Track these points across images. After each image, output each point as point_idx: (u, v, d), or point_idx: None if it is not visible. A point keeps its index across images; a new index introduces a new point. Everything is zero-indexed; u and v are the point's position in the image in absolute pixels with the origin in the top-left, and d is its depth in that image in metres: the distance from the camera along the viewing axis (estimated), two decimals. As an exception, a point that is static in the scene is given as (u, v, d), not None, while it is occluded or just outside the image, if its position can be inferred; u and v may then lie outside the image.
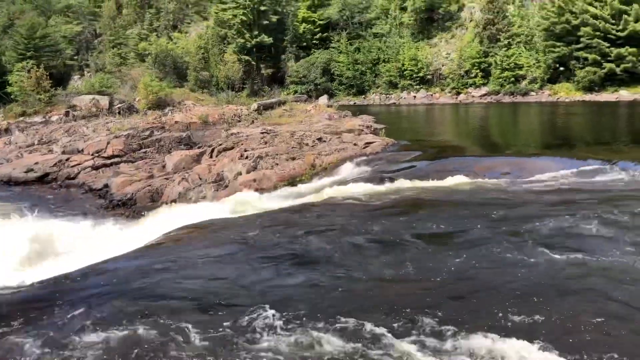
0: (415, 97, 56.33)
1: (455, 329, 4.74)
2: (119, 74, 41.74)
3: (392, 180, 11.97)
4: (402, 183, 11.57)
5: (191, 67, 45.69)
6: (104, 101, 28.59)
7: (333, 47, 60.81)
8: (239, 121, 23.40)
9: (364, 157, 15.30)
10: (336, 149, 16.33)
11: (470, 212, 8.72)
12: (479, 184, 11.07)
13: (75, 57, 60.46)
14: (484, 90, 52.47)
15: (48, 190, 16.88)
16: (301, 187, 13.18)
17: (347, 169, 14.10)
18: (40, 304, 5.87)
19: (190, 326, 5.00)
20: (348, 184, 12.07)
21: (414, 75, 56.45)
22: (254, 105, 26.03)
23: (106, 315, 5.38)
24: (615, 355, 4.28)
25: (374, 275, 6.26)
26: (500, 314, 5.00)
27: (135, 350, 4.65)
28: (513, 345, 4.43)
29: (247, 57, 50.92)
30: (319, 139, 17.69)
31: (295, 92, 52.64)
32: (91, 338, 4.93)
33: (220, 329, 4.95)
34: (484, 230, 7.61)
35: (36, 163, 18.96)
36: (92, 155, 19.08)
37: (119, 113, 27.22)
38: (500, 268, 6.27)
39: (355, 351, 4.50)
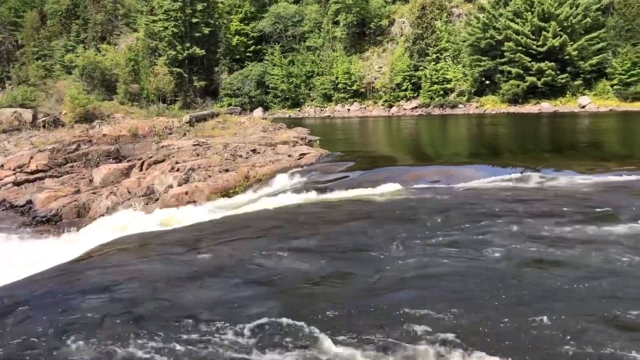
0: (349, 110, 57.23)
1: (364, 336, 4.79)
2: (43, 86, 40.06)
3: (325, 190, 12.05)
4: (336, 193, 11.67)
5: (121, 79, 44.54)
6: (27, 114, 27.23)
7: (267, 60, 60.97)
8: (171, 134, 22.87)
9: (299, 168, 15.31)
10: (270, 161, 16.27)
11: (399, 218, 8.91)
12: (409, 191, 11.32)
13: (-4, 69, 57.66)
14: (414, 103, 53.99)
15: (-36, 208, 15.89)
16: (234, 199, 13.05)
17: (282, 180, 14.07)
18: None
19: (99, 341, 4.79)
20: (281, 195, 12.05)
21: (348, 89, 57.40)
22: (186, 118, 25.52)
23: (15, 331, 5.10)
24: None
25: (295, 281, 6.25)
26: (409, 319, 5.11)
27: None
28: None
29: (178, 70, 50.17)
30: (253, 151, 17.57)
31: (229, 104, 52.30)
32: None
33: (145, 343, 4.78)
34: (410, 234, 7.79)
35: (-50, 179, 17.82)
36: (13, 170, 18.13)
37: (44, 127, 26.01)
38: (419, 269, 6.41)
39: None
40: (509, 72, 46.79)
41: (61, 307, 5.88)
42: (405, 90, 54.47)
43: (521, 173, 12.50)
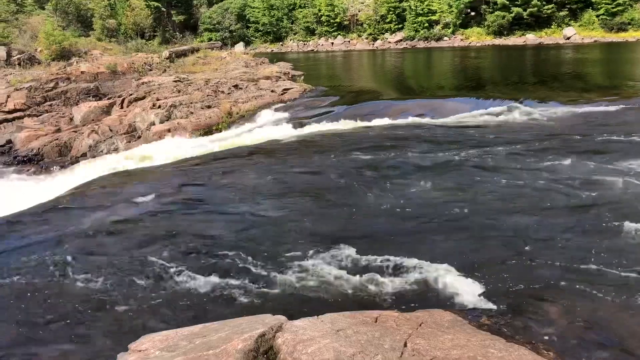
0: (332, 43, 56.23)
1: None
2: (16, 22, 38.55)
3: (309, 124, 12.00)
4: (319, 126, 11.64)
5: (96, 14, 42.95)
6: (1, 52, 26.40)
7: (247, -8, 59.14)
8: (150, 70, 22.38)
9: (282, 104, 15.18)
10: (253, 97, 16.07)
11: (383, 150, 8.94)
12: (394, 125, 11.32)
13: (-36, 5, 55.21)
14: (399, 36, 53.12)
15: (-58, 149, 15.63)
16: (217, 136, 12.99)
17: (265, 116, 13.96)
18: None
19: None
20: (265, 130, 11.99)
21: (331, 22, 56.17)
22: (165, 53, 24.88)
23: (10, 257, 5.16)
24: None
25: (281, 210, 6.33)
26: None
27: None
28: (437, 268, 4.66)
29: (156, 4, 48.54)
30: (235, 87, 17.31)
31: (210, 39, 51.02)
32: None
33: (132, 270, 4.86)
34: (390, 164, 7.87)
35: None
36: (-10, 109, 17.75)
37: (19, 64, 25.26)
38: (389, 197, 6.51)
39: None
40: (495, 3, 45.97)
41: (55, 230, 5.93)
42: (390, 22, 53.42)
43: (504, 105, 12.51)
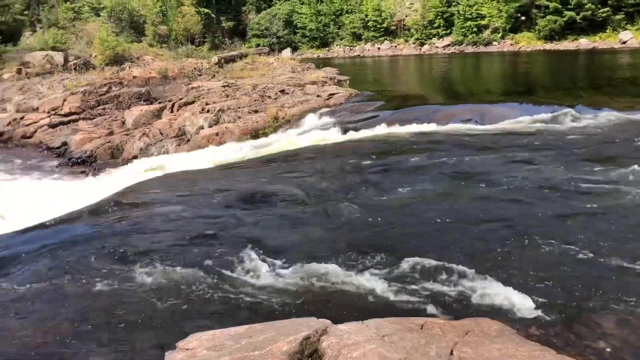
0: (379, 48, 56.06)
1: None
2: (73, 29, 40.08)
3: (354, 129, 11.99)
4: (365, 132, 11.61)
5: (149, 20, 44.22)
6: (58, 57, 27.46)
7: (295, -1, 59.67)
8: (200, 75, 22.85)
9: (328, 109, 15.23)
10: (299, 101, 16.18)
11: (428, 155, 8.84)
12: (441, 130, 11.18)
13: (26, 12, 57.69)
14: (447, 40, 52.50)
15: (3, 150, 16.37)
16: (263, 140, 13.13)
17: (311, 121, 14.03)
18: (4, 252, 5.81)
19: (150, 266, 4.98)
20: (311, 135, 12.05)
21: (378, 27, 56.03)
22: (215, 59, 25.38)
23: (59, 255, 5.34)
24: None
25: (333, 214, 6.33)
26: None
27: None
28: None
29: (206, 10, 49.54)
30: (282, 92, 17.48)
31: (258, 45, 51.67)
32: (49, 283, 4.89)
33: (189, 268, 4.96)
34: (444, 170, 7.75)
35: (-11, 122, 18.29)
36: (48, 113, 18.48)
37: (75, 69, 26.22)
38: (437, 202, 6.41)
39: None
40: (546, 7, 44.85)
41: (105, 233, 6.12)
42: (438, 27, 52.88)
43: (554, 112, 12.16)
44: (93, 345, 3.99)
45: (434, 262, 4.90)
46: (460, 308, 4.13)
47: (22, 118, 18.20)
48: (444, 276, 4.67)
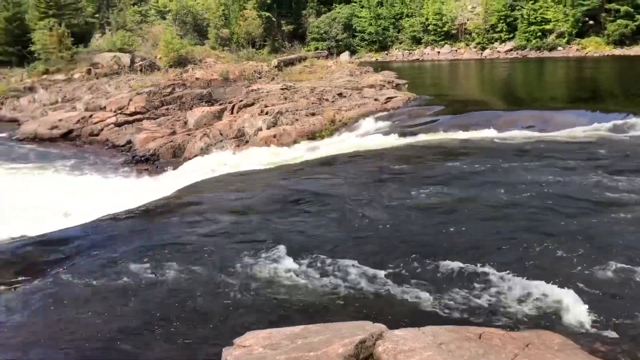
0: (439, 52, 55.32)
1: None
2: (139, 31, 41.54)
3: (412, 134, 11.87)
4: (423, 136, 11.48)
5: (211, 24, 45.27)
6: (125, 59, 28.57)
7: (355, 2, 59.68)
8: (260, 77, 23.24)
9: (385, 112, 15.15)
10: (357, 104, 16.17)
11: (490, 160, 8.64)
12: (502, 136, 10.91)
13: (96, 15, 60.18)
14: (509, 45, 51.26)
15: (73, 147, 17.13)
16: (320, 142, 13.19)
17: (368, 124, 13.99)
18: (70, 246, 6.08)
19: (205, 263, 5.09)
20: (368, 138, 12.01)
21: (438, 30, 55.31)
22: (274, 62, 25.76)
23: (121, 250, 5.53)
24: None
25: (379, 214, 6.28)
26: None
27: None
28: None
29: (267, 14, 50.27)
30: (339, 95, 17.51)
31: (317, 48, 51.97)
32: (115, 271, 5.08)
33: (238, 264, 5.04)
34: (504, 178, 7.56)
35: (60, 120, 19.17)
36: (114, 112, 19.20)
37: (141, 70, 27.20)
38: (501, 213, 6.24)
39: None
40: (617, 11, 43.07)
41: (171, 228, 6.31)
42: (500, 31, 51.69)
43: (621, 120, 11.63)
44: (152, 338, 4.11)
45: (490, 271, 4.78)
46: (519, 319, 4.01)
47: (90, 116, 18.99)
48: (501, 286, 4.56)
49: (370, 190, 7.65)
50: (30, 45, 32.73)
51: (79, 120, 18.78)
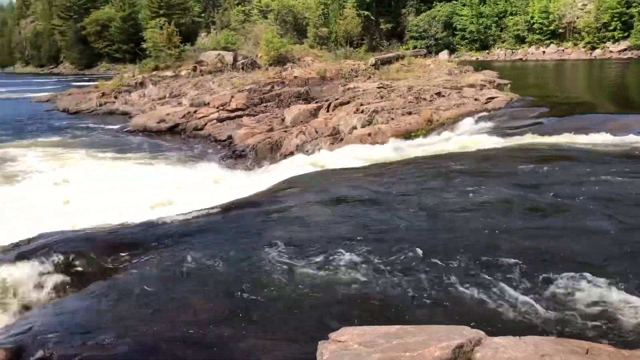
0: (544, 52, 52.85)
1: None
2: (242, 30, 42.98)
3: (515, 135, 11.41)
4: (526, 139, 10.99)
5: (311, 23, 45.97)
6: (228, 57, 29.67)
7: (456, 0, 58.32)
8: (356, 76, 23.29)
9: (485, 113, 14.68)
10: (455, 104, 15.79)
11: (607, 169, 8.10)
12: (614, 142, 10.22)
13: (202, 15, 63.08)
14: (623, 44, 47.99)
15: (178, 140, 18.07)
16: (416, 142, 13.03)
17: (467, 124, 13.63)
18: (172, 232, 6.42)
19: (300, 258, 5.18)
20: (466, 139, 11.69)
21: (544, 29, 52.84)
22: (372, 60, 25.72)
23: (219, 240, 5.76)
24: None
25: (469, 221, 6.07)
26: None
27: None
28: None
29: (366, 12, 50.31)
30: (438, 94, 17.18)
31: (415, 47, 51.34)
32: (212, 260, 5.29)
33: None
34: (619, 188, 7.07)
35: (167, 114, 20.28)
36: (217, 108, 20.01)
37: (242, 68, 28.16)
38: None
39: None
40: None
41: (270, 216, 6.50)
42: (613, 30, 48.49)
43: None
44: (247, 325, 4.24)
45: (599, 283, 4.49)
46: (631, 337, 3.74)
47: (195, 112, 19.92)
48: (610, 300, 4.27)
49: (467, 191, 7.43)
50: (142, 43, 34.86)
51: (184, 115, 19.77)
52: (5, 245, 6.44)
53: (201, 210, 7.52)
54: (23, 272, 5.39)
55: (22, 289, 5.21)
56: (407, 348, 2.55)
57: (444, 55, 50.95)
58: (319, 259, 5.39)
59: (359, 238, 5.86)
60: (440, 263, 5.11)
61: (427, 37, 57.02)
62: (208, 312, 4.49)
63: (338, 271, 5.09)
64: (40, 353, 3.72)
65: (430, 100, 16.62)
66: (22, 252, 5.90)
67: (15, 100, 35.52)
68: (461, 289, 4.60)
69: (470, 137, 12.09)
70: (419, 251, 5.38)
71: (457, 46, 58.34)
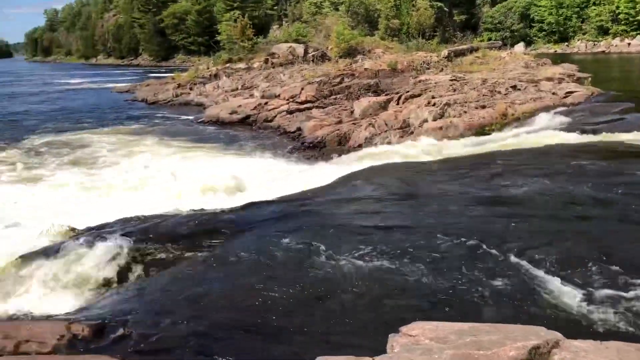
0: (629, 44, 49.97)
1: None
2: (313, 22, 43.16)
3: (595, 132, 10.86)
4: (607, 136, 10.44)
5: (382, 15, 45.52)
6: (299, 49, 29.90)
7: (534, -10, 56.10)
8: (428, 68, 22.89)
9: (564, 108, 14.07)
10: (532, 98, 15.22)
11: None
12: None
13: (275, 8, 63.72)
14: None
15: (249, 131, 18.44)
16: (489, 137, 12.65)
17: (543, 119, 13.10)
18: (243, 220, 6.58)
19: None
20: (543, 134, 11.25)
21: (631, 20, 49.92)
22: (444, 52, 25.18)
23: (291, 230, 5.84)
24: None
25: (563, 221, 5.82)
26: None
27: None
28: None
29: (439, 4, 49.27)
30: (513, 87, 16.62)
31: (489, 39, 49.85)
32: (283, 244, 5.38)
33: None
34: None
35: (239, 106, 20.72)
36: (287, 100, 20.23)
37: (313, 61, 28.31)
38: None
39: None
40: None
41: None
42: None
43: None
44: (318, 316, 4.28)
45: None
46: None
47: (265, 103, 20.24)
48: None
49: (545, 189, 7.15)
50: (217, 35, 35.72)
51: (255, 107, 20.12)
52: (82, 228, 6.79)
53: (272, 199, 7.64)
54: (103, 254, 5.66)
55: (103, 270, 5.48)
56: (480, 346, 2.48)
57: (519, 47, 49.20)
58: (389, 251, 5.35)
59: (431, 233, 5.77)
60: (516, 262, 4.95)
61: (502, 29, 55.22)
62: (279, 298, 4.56)
63: (407, 264, 5.04)
64: (120, 331, 3.90)
65: (505, 94, 16.10)
66: (102, 234, 6.20)
67: (97, 90, 37.37)
68: (537, 288, 4.44)
69: (547, 133, 11.61)
70: (492, 249, 5.23)
71: (534, 38, 56.15)
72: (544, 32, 55.78)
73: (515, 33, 55.09)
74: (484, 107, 14.82)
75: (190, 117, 21.72)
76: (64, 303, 5.01)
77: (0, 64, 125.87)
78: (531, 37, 56.17)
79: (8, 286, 5.44)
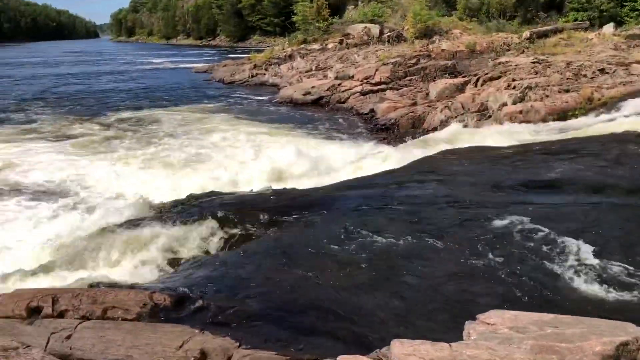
0: None
1: None
2: (390, 2, 42.43)
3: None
4: None
5: (463, -7, 44.05)
6: (374, 30, 29.55)
7: (628, -34, 52.55)
8: (508, 50, 22.03)
9: (657, 92, 13.19)
10: (621, 82, 14.34)
11: None
12: None
13: (351, -12, 63.15)
14: None
15: (321, 112, 18.47)
16: (572, 122, 12.08)
17: (634, 105, 12.32)
18: (322, 202, 6.64)
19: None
20: (631, 120, 10.62)
21: None
22: (526, 34, 24.09)
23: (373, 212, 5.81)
24: None
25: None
26: None
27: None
28: None
29: (522, -18, 47.09)
30: (601, 70, 15.71)
31: (575, 19, 47.26)
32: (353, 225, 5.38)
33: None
34: None
35: (313, 87, 20.78)
36: (361, 81, 20.10)
37: (388, 41, 27.92)
38: None
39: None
40: None
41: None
42: None
43: None
44: (390, 299, 4.26)
45: None
46: None
47: (339, 85, 20.19)
48: None
49: (629, 181, 6.77)
50: (292, 16, 35.83)
51: (329, 88, 20.12)
52: (164, 201, 7.07)
53: (347, 180, 7.66)
54: (184, 227, 5.89)
55: (184, 243, 5.70)
56: (563, 338, 2.39)
57: (609, 28, 46.26)
58: (467, 237, 5.25)
59: (512, 220, 5.60)
60: (587, 254, 4.73)
61: (590, 9, 52.04)
62: (358, 277, 4.59)
63: (484, 251, 4.92)
64: (199, 302, 4.05)
65: (591, 77, 15.27)
66: (184, 208, 6.43)
67: (177, 70, 38.57)
68: (626, 284, 4.22)
69: (638, 119, 10.95)
70: (577, 241, 5.01)
71: (626, 18, 52.74)
72: (636, 12, 52.26)
73: (605, 13, 51.79)
74: (567, 91, 14.13)
75: (265, 98, 22.03)
76: (147, 274, 5.26)
77: (88, 44, 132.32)
78: (622, 17, 52.78)
79: (93, 255, 5.77)
